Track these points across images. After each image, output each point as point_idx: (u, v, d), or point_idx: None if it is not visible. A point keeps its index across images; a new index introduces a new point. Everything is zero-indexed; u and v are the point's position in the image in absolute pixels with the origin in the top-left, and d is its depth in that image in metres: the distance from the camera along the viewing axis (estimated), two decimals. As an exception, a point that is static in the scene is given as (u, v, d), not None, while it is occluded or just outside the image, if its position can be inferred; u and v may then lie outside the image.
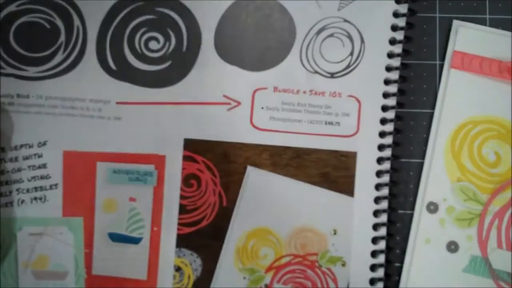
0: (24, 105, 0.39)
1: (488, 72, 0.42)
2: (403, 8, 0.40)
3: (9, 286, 0.40)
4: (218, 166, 0.40)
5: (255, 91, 0.40)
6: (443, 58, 0.43)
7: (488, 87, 0.42)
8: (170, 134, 0.40)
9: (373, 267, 0.40)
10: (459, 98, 0.42)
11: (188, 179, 0.40)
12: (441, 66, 0.43)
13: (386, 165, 0.40)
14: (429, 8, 0.43)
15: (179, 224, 0.40)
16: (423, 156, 0.42)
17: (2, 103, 0.38)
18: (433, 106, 0.42)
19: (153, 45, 0.39)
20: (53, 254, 0.40)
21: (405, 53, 0.41)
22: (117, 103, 0.40)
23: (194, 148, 0.40)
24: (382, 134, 0.40)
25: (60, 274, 0.40)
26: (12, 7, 0.37)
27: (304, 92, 0.40)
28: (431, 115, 0.42)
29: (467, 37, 0.42)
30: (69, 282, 0.40)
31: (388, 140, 0.40)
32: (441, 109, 0.42)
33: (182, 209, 0.40)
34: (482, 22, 0.43)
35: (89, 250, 0.40)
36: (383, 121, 0.40)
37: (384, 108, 0.40)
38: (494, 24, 0.43)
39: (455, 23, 0.43)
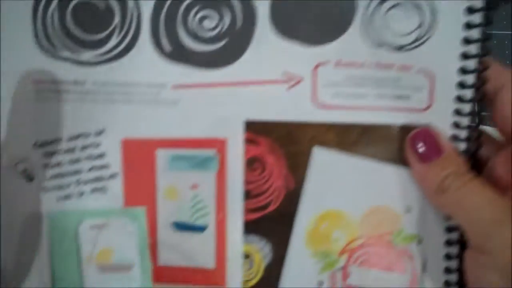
0: (80, 92, 0.37)
1: None
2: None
3: (74, 282, 0.39)
4: (282, 148, 0.39)
5: (316, 67, 0.38)
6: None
7: None
8: (230, 117, 0.38)
9: (448, 242, 0.38)
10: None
11: (252, 163, 0.39)
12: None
13: (461, 144, 0.38)
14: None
15: (245, 210, 0.39)
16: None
17: (58, 91, 0.37)
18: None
19: (207, 24, 0.37)
20: (117, 246, 0.39)
21: (487, 21, 0.37)
22: (173, 86, 0.38)
23: (256, 130, 0.38)
24: (457, 112, 0.37)
25: (125, 267, 0.39)
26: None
27: (370, 65, 0.38)
28: None
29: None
30: (135, 274, 0.39)
31: (464, 120, 0.37)
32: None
33: (247, 195, 0.39)
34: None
35: (154, 240, 0.39)
36: (459, 99, 0.37)
37: (461, 85, 0.37)
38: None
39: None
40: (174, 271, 0.39)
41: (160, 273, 0.39)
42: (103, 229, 0.39)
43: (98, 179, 0.38)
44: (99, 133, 0.38)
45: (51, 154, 0.38)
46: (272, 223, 0.39)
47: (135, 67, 0.37)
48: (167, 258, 0.39)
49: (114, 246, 0.39)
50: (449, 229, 0.38)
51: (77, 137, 0.38)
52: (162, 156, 0.39)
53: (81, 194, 0.38)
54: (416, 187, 0.38)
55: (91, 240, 0.39)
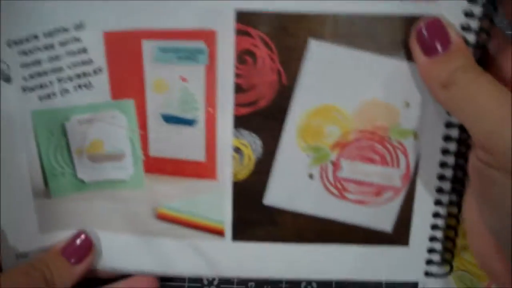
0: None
1: None
2: None
3: (67, 174, 0.39)
4: (276, 40, 0.36)
5: None
6: None
7: None
8: (219, 6, 0.35)
9: (446, 138, 0.37)
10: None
11: (243, 56, 0.36)
12: None
13: (470, 36, 0.35)
14: None
15: (236, 104, 0.37)
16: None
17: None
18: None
19: None
20: (107, 138, 0.39)
21: None
22: (158, -28, 0.34)
23: (248, 20, 0.35)
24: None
25: (117, 156, 0.39)
26: None
27: None
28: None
29: None
30: (127, 164, 0.40)
31: (477, 10, 0.34)
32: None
33: (238, 89, 0.37)
34: None
35: (144, 132, 0.39)
36: None
37: None
38: None
39: None
40: (165, 162, 0.39)
41: (152, 164, 0.39)
42: (93, 123, 0.38)
43: (81, 75, 0.37)
44: (78, 27, 0.35)
45: (28, 52, 0.36)
46: (263, 118, 0.38)
47: None
48: (158, 149, 0.39)
49: (104, 137, 0.39)
50: (448, 125, 0.37)
51: (54, 32, 0.35)
52: (148, 47, 0.36)
53: (65, 91, 0.37)
54: (417, 82, 0.36)
55: (80, 134, 0.38)
